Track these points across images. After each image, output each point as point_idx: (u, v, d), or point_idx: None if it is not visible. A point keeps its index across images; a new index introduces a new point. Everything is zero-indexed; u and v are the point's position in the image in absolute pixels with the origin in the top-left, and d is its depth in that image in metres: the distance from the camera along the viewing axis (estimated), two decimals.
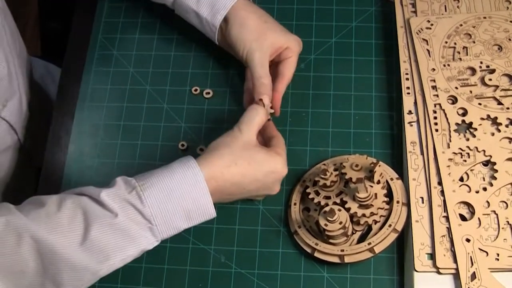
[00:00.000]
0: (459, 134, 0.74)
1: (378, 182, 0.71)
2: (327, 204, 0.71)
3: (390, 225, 0.70)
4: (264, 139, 0.74)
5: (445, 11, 0.82)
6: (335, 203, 0.71)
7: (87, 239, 0.62)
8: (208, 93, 0.84)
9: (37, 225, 0.61)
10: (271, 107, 0.76)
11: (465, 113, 0.75)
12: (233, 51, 0.79)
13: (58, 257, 0.61)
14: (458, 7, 0.82)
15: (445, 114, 0.75)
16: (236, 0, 0.77)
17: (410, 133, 0.75)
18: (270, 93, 0.76)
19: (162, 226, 0.65)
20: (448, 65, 0.78)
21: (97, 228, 0.62)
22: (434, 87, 0.77)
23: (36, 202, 0.64)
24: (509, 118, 0.74)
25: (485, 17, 0.81)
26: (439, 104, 0.76)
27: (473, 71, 0.78)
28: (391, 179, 0.73)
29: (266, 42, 0.76)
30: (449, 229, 0.69)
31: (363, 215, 0.70)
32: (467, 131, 0.74)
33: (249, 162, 0.68)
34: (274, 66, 0.79)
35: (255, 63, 0.76)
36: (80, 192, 0.66)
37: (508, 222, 0.69)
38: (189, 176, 0.66)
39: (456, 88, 0.77)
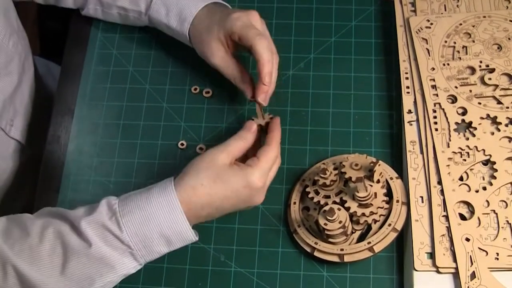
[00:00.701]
0: (459, 134, 0.74)
1: (378, 181, 0.71)
2: (326, 203, 0.71)
3: (389, 224, 0.70)
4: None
5: (445, 10, 0.82)
6: (334, 202, 0.71)
7: (66, 271, 0.64)
8: (208, 92, 0.84)
9: (20, 258, 0.63)
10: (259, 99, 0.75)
11: (464, 112, 0.75)
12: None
13: (39, 285, 0.63)
14: (457, 6, 0.82)
15: (445, 114, 0.75)
16: (200, 8, 0.79)
17: (410, 132, 0.75)
18: (250, 82, 0.76)
19: (142, 251, 0.66)
20: (448, 64, 0.78)
21: (75, 260, 0.64)
22: (433, 86, 0.77)
23: (21, 226, 0.66)
24: (508, 117, 0.74)
25: (484, 16, 0.81)
26: (439, 104, 0.76)
27: (473, 70, 0.78)
28: (391, 178, 0.73)
29: (212, 43, 0.77)
30: (448, 229, 0.69)
31: (363, 214, 0.70)
32: (467, 130, 0.74)
33: (214, 181, 0.67)
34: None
35: (220, 68, 0.77)
36: (64, 215, 0.67)
37: (507, 221, 0.69)
38: (165, 203, 0.66)
39: (456, 87, 0.77)
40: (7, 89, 0.81)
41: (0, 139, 0.82)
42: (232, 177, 0.67)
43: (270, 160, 0.69)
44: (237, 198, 0.68)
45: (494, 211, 0.70)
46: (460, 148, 0.73)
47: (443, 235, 0.69)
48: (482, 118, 0.74)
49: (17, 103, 0.85)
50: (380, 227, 0.71)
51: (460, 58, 0.79)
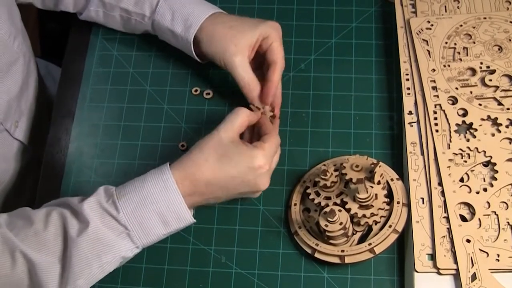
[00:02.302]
0: (460, 135, 0.74)
1: (379, 182, 0.71)
2: (327, 205, 0.71)
3: (390, 226, 0.70)
4: (259, 138, 0.74)
5: (445, 11, 0.82)
6: (335, 203, 0.71)
7: (66, 253, 0.65)
8: (208, 93, 0.84)
9: (28, 245, 0.64)
10: (271, 109, 0.76)
11: (465, 113, 0.75)
12: (209, 60, 0.81)
13: (43, 273, 0.65)
14: (458, 7, 0.82)
15: (446, 115, 0.75)
16: (207, 15, 0.78)
17: (411, 134, 0.75)
18: (258, 92, 0.77)
19: (139, 232, 0.67)
20: (448, 65, 0.78)
21: (73, 244, 0.65)
22: (434, 88, 0.77)
23: (24, 217, 0.67)
24: (509, 119, 0.74)
25: (485, 18, 0.81)
26: (440, 105, 0.76)
27: (473, 71, 0.78)
28: (392, 179, 0.73)
29: (238, 46, 0.76)
30: (449, 230, 0.69)
31: (364, 215, 0.70)
32: (468, 131, 0.74)
33: (219, 159, 0.67)
34: (262, 57, 0.79)
35: (237, 71, 0.77)
36: (64, 202, 0.69)
37: (508, 222, 0.69)
38: (160, 181, 0.67)
39: (456, 88, 0.77)
40: (12, 89, 0.82)
41: (5, 140, 0.83)
42: (238, 155, 0.67)
43: (274, 145, 0.70)
44: (242, 179, 0.68)
45: (494, 212, 0.70)
46: (460, 149, 0.73)
47: (444, 236, 0.69)
48: (482, 119, 0.74)
49: (22, 105, 0.85)
50: (381, 229, 0.71)
51: (460, 60, 0.79)
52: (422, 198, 0.72)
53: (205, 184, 0.67)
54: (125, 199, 0.67)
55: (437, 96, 0.76)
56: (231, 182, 0.68)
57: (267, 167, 0.68)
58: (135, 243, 0.67)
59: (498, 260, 0.67)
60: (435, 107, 0.76)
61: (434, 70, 0.78)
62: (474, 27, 0.80)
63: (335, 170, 0.73)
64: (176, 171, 0.68)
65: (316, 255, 0.72)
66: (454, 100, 0.76)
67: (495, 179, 0.71)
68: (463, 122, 0.75)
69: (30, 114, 0.88)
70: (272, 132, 0.72)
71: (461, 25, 0.81)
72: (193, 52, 0.80)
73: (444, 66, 0.78)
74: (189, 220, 0.69)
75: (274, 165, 0.72)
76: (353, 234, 0.71)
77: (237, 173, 0.68)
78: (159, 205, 0.67)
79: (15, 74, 0.82)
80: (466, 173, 0.72)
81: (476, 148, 0.73)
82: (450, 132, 0.74)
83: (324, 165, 0.76)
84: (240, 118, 0.70)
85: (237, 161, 0.67)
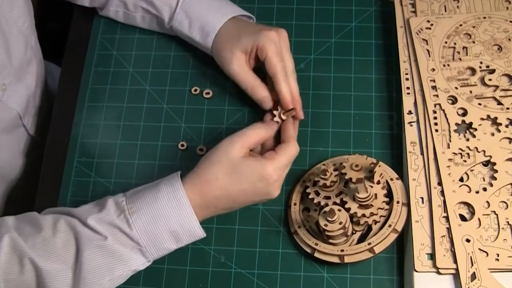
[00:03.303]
0: (459, 134, 0.74)
1: (378, 182, 0.71)
2: (327, 204, 0.71)
3: (390, 225, 0.70)
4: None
5: (445, 11, 0.82)
6: (335, 203, 0.71)
7: (78, 262, 0.65)
8: (208, 93, 0.84)
9: (36, 252, 0.64)
10: (291, 110, 0.75)
11: (465, 113, 0.75)
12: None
13: (52, 281, 0.64)
14: (458, 7, 0.82)
15: (445, 114, 0.75)
16: (223, 22, 0.79)
17: (410, 133, 0.75)
18: (267, 94, 0.76)
19: (151, 248, 0.67)
20: (448, 65, 0.78)
21: (87, 250, 0.65)
22: (434, 87, 0.77)
23: (32, 222, 0.67)
24: (509, 118, 0.74)
25: (485, 17, 0.81)
26: (439, 104, 0.76)
27: (473, 71, 0.78)
28: (391, 179, 0.73)
29: (234, 53, 0.77)
30: (449, 229, 0.69)
31: (363, 215, 0.70)
32: (467, 131, 0.74)
33: (230, 174, 0.68)
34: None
35: (236, 78, 0.77)
36: (69, 213, 0.68)
37: (508, 222, 0.69)
38: (173, 199, 0.67)
39: (456, 88, 0.77)
40: (31, 84, 0.84)
41: (21, 136, 0.84)
42: (247, 169, 0.68)
43: (287, 156, 0.70)
44: (253, 190, 0.69)
45: (494, 212, 0.70)
46: (460, 149, 0.73)
47: (444, 236, 0.69)
48: (482, 119, 0.74)
49: (37, 100, 0.87)
50: (381, 228, 0.71)
51: (460, 59, 0.79)
52: (422, 198, 0.72)
53: (216, 199, 0.68)
54: (137, 216, 0.67)
55: (437, 95, 0.76)
56: (242, 194, 0.69)
57: (275, 177, 0.69)
58: (147, 258, 0.68)
59: (498, 260, 0.67)
60: (435, 106, 0.76)
61: (433, 69, 0.78)
62: (473, 27, 0.80)
63: (335, 170, 0.73)
64: (187, 188, 0.68)
65: (316, 254, 0.72)
66: (453, 100, 0.76)
67: (495, 178, 0.71)
68: (463, 121, 0.75)
69: (41, 111, 0.89)
70: (289, 140, 0.72)
71: (460, 25, 0.81)
72: (212, 54, 0.81)
73: (444, 65, 0.78)
74: (200, 236, 0.69)
75: (285, 175, 0.71)
76: (352, 233, 0.71)
77: (247, 186, 0.68)
78: (172, 223, 0.67)
79: (33, 69, 0.84)
80: (466, 173, 0.72)
81: (476, 148, 0.73)
82: (449, 131, 0.74)
83: (324, 164, 0.76)
84: (252, 137, 0.70)
85: (247, 175, 0.68)
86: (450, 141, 0.74)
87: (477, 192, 0.71)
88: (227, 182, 0.68)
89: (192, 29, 0.81)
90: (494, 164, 0.72)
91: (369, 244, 0.70)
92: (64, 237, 0.66)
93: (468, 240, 0.68)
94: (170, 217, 0.67)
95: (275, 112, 0.75)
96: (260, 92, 0.77)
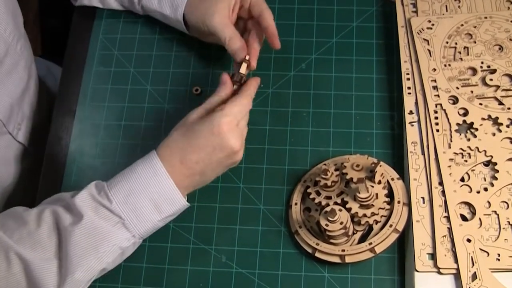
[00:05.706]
0: (460, 134, 0.74)
1: (379, 182, 0.71)
2: (328, 204, 0.71)
3: (391, 225, 0.70)
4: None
5: (446, 11, 0.82)
6: (336, 203, 0.71)
7: (63, 247, 0.66)
8: (209, 93, 0.84)
9: (21, 245, 0.65)
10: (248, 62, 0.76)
11: (466, 113, 0.75)
12: (204, 35, 0.82)
13: (40, 270, 0.65)
14: (459, 7, 0.82)
15: (446, 114, 0.75)
16: None
17: (411, 133, 0.75)
18: (243, 44, 0.77)
19: (134, 220, 0.68)
20: (449, 65, 0.78)
21: (72, 235, 0.66)
22: (435, 87, 0.77)
23: (15, 217, 0.68)
24: (510, 118, 0.74)
25: (486, 17, 0.81)
26: (440, 104, 0.76)
27: (474, 71, 0.78)
28: (392, 179, 0.73)
29: (216, 6, 0.77)
30: (450, 229, 0.69)
31: (364, 215, 0.70)
32: (468, 131, 0.74)
33: (184, 135, 0.69)
34: (256, 24, 0.79)
35: (217, 29, 0.77)
36: (58, 198, 0.70)
37: (509, 222, 0.69)
38: (148, 167, 0.69)
39: (457, 88, 0.77)
40: (15, 91, 0.82)
41: (7, 143, 0.83)
42: (199, 126, 0.69)
43: (235, 106, 0.69)
44: (211, 145, 0.68)
45: (495, 212, 0.70)
46: (461, 149, 0.73)
47: (444, 236, 0.69)
48: (483, 119, 0.74)
49: (25, 108, 0.86)
50: (381, 228, 0.71)
51: (461, 59, 0.79)
52: (423, 198, 0.72)
53: (180, 162, 0.68)
54: (116, 189, 0.68)
55: (438, 95, 0.76)
56: (203, 153, 0.68)
57: (228, 127, 0.68)
58: (131, 232, 0.68)
59: (499, 260, 0.67)
60: (436, 106, 0.76)
61: (434, 69, 0.78)
62: (475, 27, 0.80)
63: (336, 170, 0.73)
64: (161, 157, 0.69)
65: (317, 254, 0.72)
66: (454, 100, 0.76)
67: (496, 178, 0.71)
68: (464, 121, 0.75)
69: (32, 117, 0.88)
70: (242, 93, 0.71)
71: (462, 25, 0.81)
72: (186, 30, 0.82)
73: (445, 65, 0.78)
74: (182, 203, 0.69)
75: (243, 129, 0.70)
76: (353, 233, 0.72)
77: (204, 141, 0.68)
78: (151, 190, 0.68)
79: (17, 76, 0.82)
80: (467, 173, 0.72)
81: (477, 148, 0.73)
82: (450, 131, 0.74)
83: (325, 164, 0.76)
84: (208, 101, 0.72)
85: (199, 130, 0.68)
86: (451, 141, 0.74)
87: (478, 192, 0.71)
88: (185, 143, 0.68)
89: (161, 4, 0.82)
90: (495, 164, 0.72)
91: (370, 244, 0.70)
92: (48, 227, 0.66)
93: (469, 240, 0.68)
94: (148, 185, 0.68)
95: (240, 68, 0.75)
96: (237, 42, 0.77)
